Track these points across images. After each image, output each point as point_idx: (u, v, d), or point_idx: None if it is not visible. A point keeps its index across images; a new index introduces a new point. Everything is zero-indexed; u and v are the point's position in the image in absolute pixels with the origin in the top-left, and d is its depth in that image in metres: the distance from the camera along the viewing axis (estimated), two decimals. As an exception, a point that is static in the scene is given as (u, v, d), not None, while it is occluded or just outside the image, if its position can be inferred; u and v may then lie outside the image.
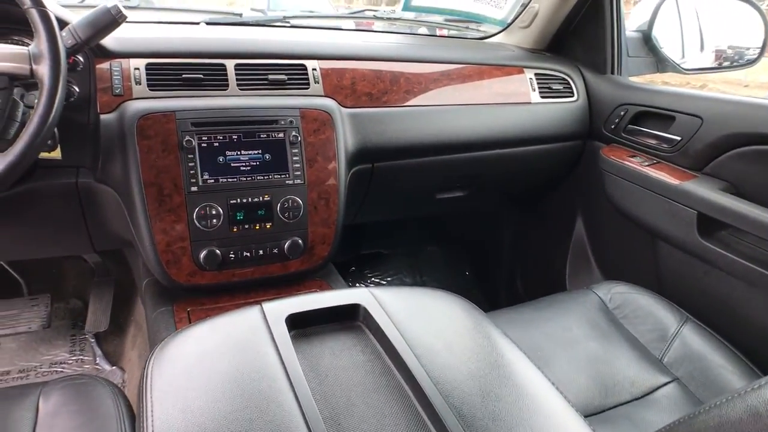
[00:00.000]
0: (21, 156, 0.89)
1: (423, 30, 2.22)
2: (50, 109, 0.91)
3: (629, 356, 1.22)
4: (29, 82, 0.99)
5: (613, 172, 1.67)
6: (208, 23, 1.82)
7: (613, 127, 1.71)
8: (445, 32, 2.24)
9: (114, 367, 1.74)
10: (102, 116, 1.19)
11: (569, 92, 1.75)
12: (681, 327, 1.28)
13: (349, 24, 2.26)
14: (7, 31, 1.19)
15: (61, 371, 1.72)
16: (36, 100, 0.92)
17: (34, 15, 0.93)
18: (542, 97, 1.68)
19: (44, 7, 0.94)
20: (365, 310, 0.82)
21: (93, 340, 1.80)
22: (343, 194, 1.33)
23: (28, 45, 1.23)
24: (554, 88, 1.71)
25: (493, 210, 2.19)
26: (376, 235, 2.14)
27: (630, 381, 1.16)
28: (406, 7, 1.89)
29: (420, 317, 0.82)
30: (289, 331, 0.75)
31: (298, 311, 0.79)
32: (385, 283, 2.19)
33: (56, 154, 1.16)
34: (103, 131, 1.18)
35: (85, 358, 1.76)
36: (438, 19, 2.15)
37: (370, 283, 2.19)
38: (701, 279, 1.41)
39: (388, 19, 2.00)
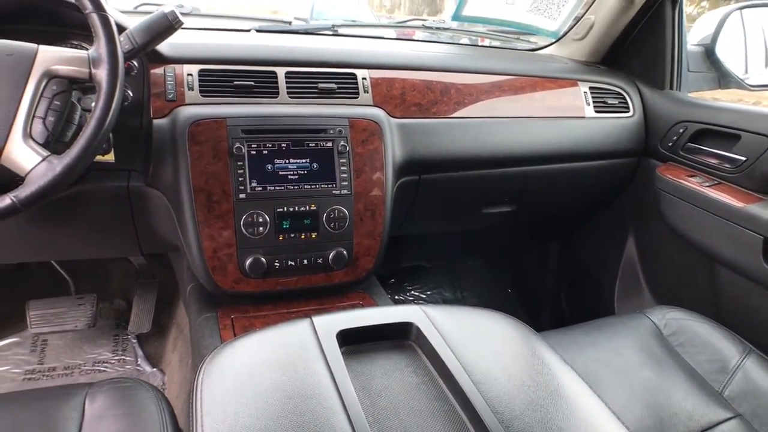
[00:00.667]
0: (78, 159, 0.90)
1: (464, 40, 2.18)
2: (107, 113, 0.92)
3: (687, 387, 1.15)
4: (87, 85, 1.01)
5: (669, 192, 1.60)
6: (258, 30, 1.84)
7: (670, 144, 1.64)
8: (487, 42, 2.20)
9: (154, 369, 1.75)
10: (155, 121, 1.20)
11: (625, 107, 1.69)
12: (744, 359, 1.21)
13: (392, 33, 2.24)
14: (66, 35, 1.22)
15: (104, 371, 1.74)
16: (93, 104, 0.93)
17: (95, 19, 0.94)
18: (597, 111, 1.63)
19: (105, 11, 0.95)
20: (418, 329, 0.79)
21: (135, 341, 1.83)
22: (389, 206, 1.31)
23: (86, 49, 1.26)
24: (609, 102, 1.66)
25: (540, 225, 2.13)
26: (417, 248, 2.11)
27: (687, 414, 1.10)
28: (456, 17, 1.86)
29: (475, 339, 0.79)
30: (340, 347, 0.73)
31: (349, 327, 0.77)
32: (425, 296, 2.15)
33: (110, 157, 1.17)
34: (155, 136, 1.19)
35: (127, 358, 1.79)
36: (484, 29, 2.11)
37: (409, 296, 2.15)
38: (766, 308, 1.33)
39: (438, 28, 1.97)
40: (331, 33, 1.91)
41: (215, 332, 1.16)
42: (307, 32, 1.88)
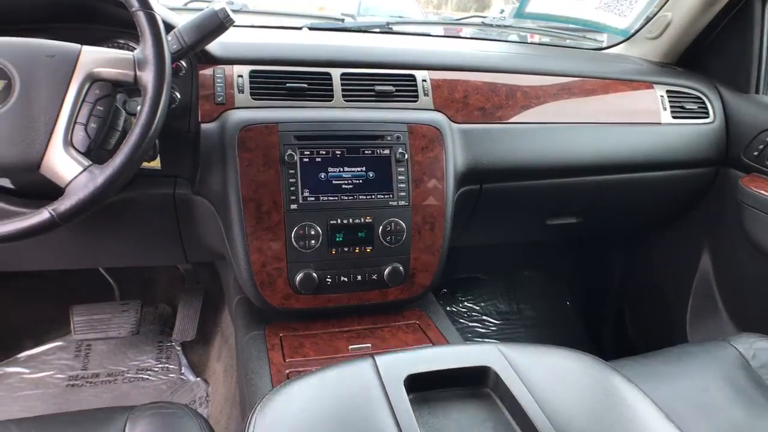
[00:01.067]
0: (120, 170, 0.83)
1: (513, 37, 2.06)
2: (153, 118, 0.85)
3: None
4: (132, 88, 0.94)
5: (754, 206, 1.45)
6: (310, 28, 1.76)
7: (755, 154, 1.49)
8: (538, 39, 2.07)
9: (198, 379, 1.70)
10: (202, 125, 1.13)
11: (704, 113, 1.54)
12: None
13: (438, 30, 2.13)
14: (112, 33, 1.16)
15: (147, 378, 1.70)
16: (138, 108, 0.86)
17: (141, 18, 0.87)
18: (674, 117, 1.48)
19: (152, 9, 0.88)
20: (496, 375, 0.69)
21: (179, 349, 1.78)
22: (449, 219, 1.21)
23: (132, 49, 1.20)
24: (687, 107, 1.51)
25: (604, 237, 1.99)
26: (472, 258, 2.00)
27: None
28: (520, 14, 1.74)
29: (561, 388, 0.69)
30: (408, 394, 0.64)
31: (418, 372, 0.67)
32: (478, 308, 2.04)
33: (156, 163, 1.12)
34: (203, 141, 1.13)
35: (171, 366, 1.74)
36: (547, 27, 1.98)
37: (462, 308, 2.05)
38: None
39: (498, 26, 1.86)
40: (384, 30, 1.83)
41: (263, 353, 1.08)
42: (360, 30, 1.80)
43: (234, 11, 1.72)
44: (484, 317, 2.02)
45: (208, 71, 1.16)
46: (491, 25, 1.87)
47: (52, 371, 1.70)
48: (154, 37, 0.87)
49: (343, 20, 1.80)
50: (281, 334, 1.15)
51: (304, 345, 1.12)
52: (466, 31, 2.16)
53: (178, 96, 1.14)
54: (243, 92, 1.16)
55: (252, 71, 1.17)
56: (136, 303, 1.79)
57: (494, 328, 2.00)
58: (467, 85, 1.30)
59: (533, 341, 1.98)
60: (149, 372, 1.72)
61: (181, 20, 1.13)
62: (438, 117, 1.23)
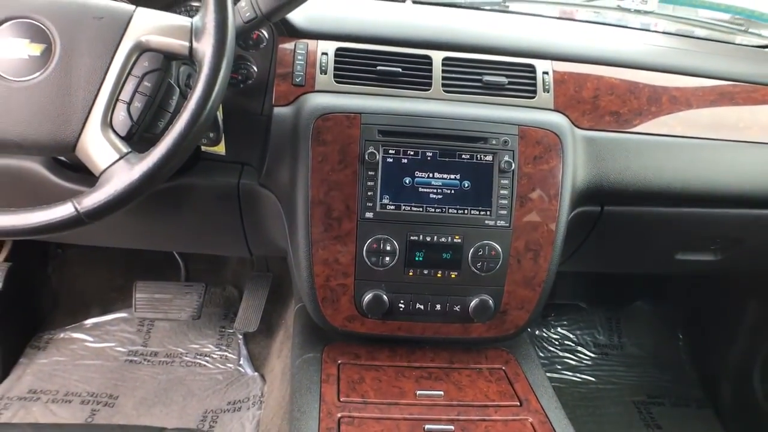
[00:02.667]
0: (162, 161, 0.68)
1: (661, 27, 1.72)
2: (206, 102, 0.69)
3: None
4: (187, 61, 0.79)
5: None
6: (415, 1, 1.55)
7: None
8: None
9: (255, 374, 1.59)
10: (275, 109, 0.97)
11: None
12: None
13: (554, 11, 1.83)
14: None
15: (204, 365, 1.61)
16: (193, 84, 0.70)
17: None
18: None
19: None
20: None
21: (240, 338, 1.68)
22: (558, 247, 0.98)
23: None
24: None
25: (742, 277, 1.65)
26: (572, 283, 1.75)
27: None
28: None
29: None
30: None
31: None
32: (573, 337, 1.78)
33: (220, 148, 0.97)
34: (274, 127, 0.97)
35: (230, 355, 1.64)
36: (696, 16, 1.65)
37: (553, 334, 1.79)
38: None
39: (637, 11, 1.55)
40: (500, 9, 1.59)
41: (315, 384, 0.92)
42: (472, 6, 1.56)
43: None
44: (579, 348, 1.76)
45: (288, 45, 0.99)
46: (629, 10, 1.56)
47: (114, 343, 1.65)
48: (218, 2, 0.70)
49: (453, -4, 1.57)
50: (340, 361, 0.98)
51: (365, 379, 0.94)
52: (583, 15, 1.85)
53: (255, 70, 0.99)
54: (326, 73, 0.98)
55: (339, 49, 0.99)
56: (200, 286, 1.70)
57: (589, 362, 1.74)
58: (599, 82, 1.04)
59: (634, 383, 1.70)
60: (207, 358, 1.63)
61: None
62: (558, 120, 0.99)
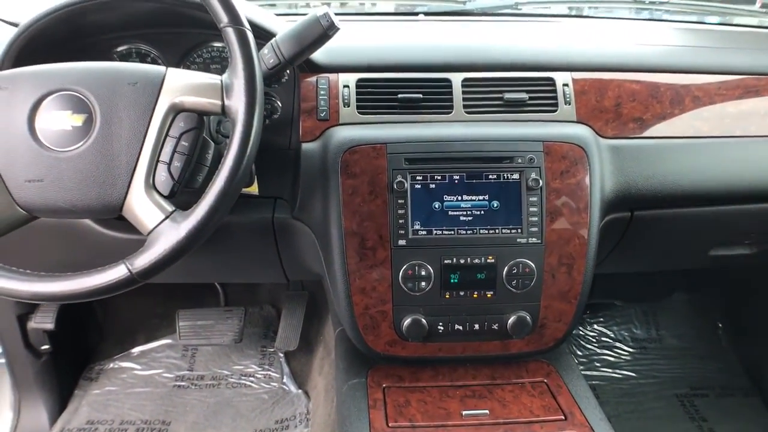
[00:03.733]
0: (206, 219, 0.71)
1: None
2: (242, 158, 0.72)
3: None
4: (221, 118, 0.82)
5: None
6: (427, 13, 1.56)
7: None
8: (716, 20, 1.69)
9: (299, 391, 1.63)
10: (303, 145, 1.00)
11: None
12: None
13: (565, 9, 1.79)
14: (207, 37, 1.05)
15: (250, 385, 1.66)
16: (228, 140, 0.73)
17: (231, 36, 0.73)
18: None
19: (243, 25, 0.74)
20: None
21: (282, 356, 1.72)
22: (591, 259, 0.99)
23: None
24: None
25: None
26: (606, 284, 1.75)
27: None
28: (683, -12, 1.42)
29: None
30: None
31: None
32: (611, 333, 1.78)
33: (253, 189, 1.00)
34: (303, 163, 0.99)
35: (273, 374, 1.68)
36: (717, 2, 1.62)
37: (590, 331, 1.79)
38: None
39: (651, 2, 1.54)
40: (513, 12, 1.59)
41: (363, 411, 0.95)
42: (485, 13, 1.57)
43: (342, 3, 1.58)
44: (617, 344, 1.76)
45: (311, 80, 1.01)
46: (643, 1, 1.55)
47: (161, 369, 1.71)
48: (245, 58, 0.73)
49: (464, 2, 1.57)
50: (385, 385, 1.01)
51: (411, 402, 0.97)
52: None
53: (279, 105, 1.02)
54: (349, 105, 1.00)
55: (359, 80, 1.01)
56: (240, 310, 1.75)
57: (628, 357, 1.73)
58: (620, 90, 1.04)
59: (676, 376, 1.69)
60: (252, 378, 1.68)
61: (280, 24, 0.99)
62: (582, 131, 1.00)
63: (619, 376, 1.69)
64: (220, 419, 1.56)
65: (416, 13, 1.58)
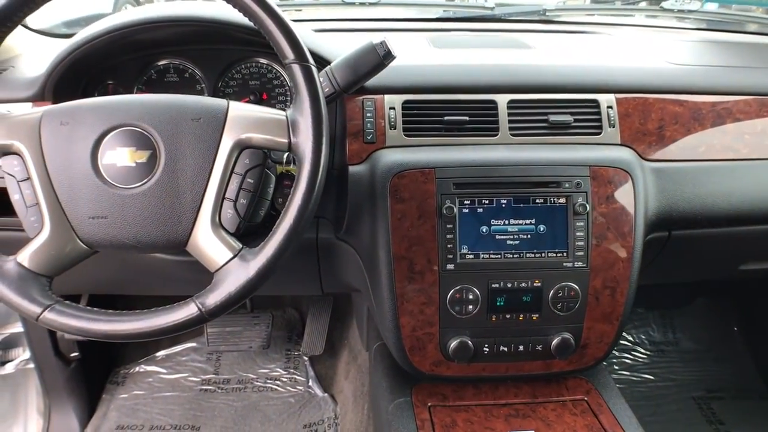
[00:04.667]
0: (275, 258, 0.72)
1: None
2: (310, 196, 0.72)
3: None
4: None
5: None
6: (455, 19, 1.56)
7: None
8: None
9: (325, 395, 1.65)
10: (351, 168, 1.00)
11: None
12: None
13: (588, 17, 1.76)
14: (250, 53, 1.05)
15: (275, 389, 1.68)
16: (296, 177, 0.73)
17: (297, 73, 0.73)
18: None
19: (309, 62, 0.74)
20: None
21: (306, 359, 1.74)
22: (634, 282, 1.00)
23: (272, 73, 1.07)
24: None
25: None
26: None
27: None
28: (713, -2, 1.42)
29: None
30: None
31: None
32: (630, 337, 1.81)
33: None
34: (351, 186, 0.99)
35: (298, 378, 1.70)
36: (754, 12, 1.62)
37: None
38: None
39: (680, 10, 1.53)
40: (538, 18, 1.58)
41: (411, 425, 0.96)
42: (512, 19, 1.56)
43: (371, 4, 1.57)
44: (635, 347, 1.79)
45: (356, 102, 1.01)
46: (671, 10, 1.54)
47: (187, 373, 1.72)
48: (312, 96, 0.73)
49: (492, 8, 1.57)
50: (429, 403, 1.03)
51: (457, 423, 0.99)
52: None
53: None
54: (395, 128, 1.00)
55: (405, 102, 1.01)
56: (267, 316, 1.76)
57: (646, 360, 1.77)
58: (663, 112, 1.05)
59: (693, 378, 1.73)
60: (278, 382, 1.70)
61: (334, 49, 0.99)
62: (627, 155, 1.01)
63: (638, 378, 1.73)
64: (249, 423, 1.58)
65: (446, 19, 1.58)
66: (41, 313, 0.72)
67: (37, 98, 0.98)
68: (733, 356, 1.79)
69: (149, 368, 1.73)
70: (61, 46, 0.98)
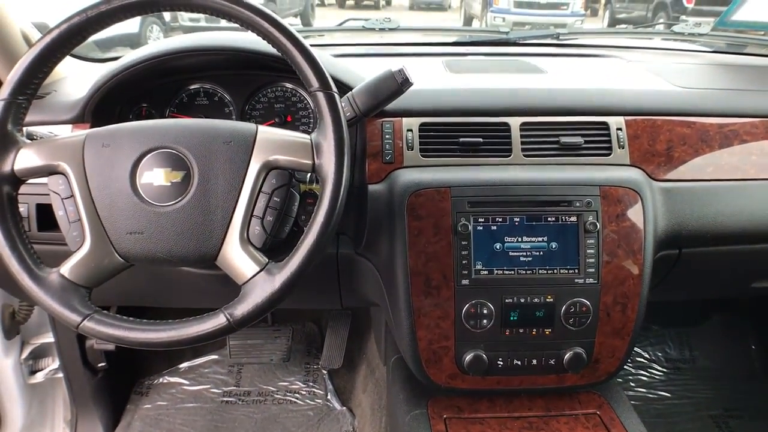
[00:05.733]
0: (299, 271, 0.76)
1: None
2: (332, 214, 0.77)
3: None
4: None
5: None
6: (471, 43, 1.61)
7: None
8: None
9: (344, 408, 1.69)
10: (370, 186, 1.05)
11: None
12: None
13: (598, 39, 1.79)
14: (276, 78, 1.11)
15: (295, 402, 1.72)
16: (319, 197, 0.78)
17: (321, 100, 0.79)
18: None
19: (332, 90, 0.79)
20: None
21: (325, 373, 1.78)
22: (644, 297, 1.03)
23: (296, 97, 1.13)
24: None
25: None
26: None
27: None
28: (723, 23, 1.46)
29: None
30: None
31: None
32: (646, 354, 1.82)
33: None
34: (370, 204, 1.04)
35: (317, 391, 1.74)
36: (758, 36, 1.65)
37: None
38: None
39: (691, 34, 1.57)
40: (553, 42, 1.63)
41: None
42: (525, 43, 1.61)
43: (390, 29, 1.63)
44: (652, 364, 1.80)
45: (376, 124, 1.06)
46: (682, 34, 1.58)
47: (209, 385, 1.77)
48: (335, 122, 0.78)
49: (507, 33, 1.62)
50: (445, 416, 1.06)
51: (473, 438, 1.02)
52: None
53: None
54: (412, 149, 1.05)
55: (422, 124, 1.06)
56: (288, 330, 1.81)
57: (662, 378, 1.77)
58: (672, 134, 1.08)
59: (710, 397, 1.73)
60: (297, 395, 1.74)
61: (354, 76, 1.05)
62: (636, 175, 1.04)
63: (654, 396, 1.73)
64: (269, 435, 1.62)
65: (462, 43, 1.63)
66: (81, 322, 0.77)
67: (78, 121, 1.05)
68: (750, 375, 1.79)
69: (172, 379, 1.78)
70: (100, 71, 1.05)
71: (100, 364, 1.59)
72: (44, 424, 1.65)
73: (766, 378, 1.78)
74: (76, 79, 1.23)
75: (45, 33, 0.80)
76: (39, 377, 1.62)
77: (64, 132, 1.04)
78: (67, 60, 1.32)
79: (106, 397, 1.64)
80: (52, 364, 1.64)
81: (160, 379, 1.79)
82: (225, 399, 1.73)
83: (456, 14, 11.33)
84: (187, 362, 1.82)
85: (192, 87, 1.14)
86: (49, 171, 0.81)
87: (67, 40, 0.80)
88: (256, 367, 1.80)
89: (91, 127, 1.01)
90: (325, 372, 1.79)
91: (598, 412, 1.07)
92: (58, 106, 1.08)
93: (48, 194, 0.83)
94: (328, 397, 1.73)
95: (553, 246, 1.01)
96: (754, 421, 1.65)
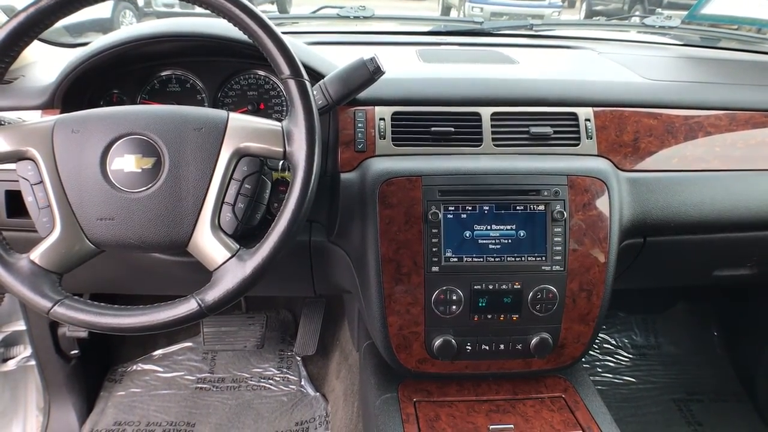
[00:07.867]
0: (270, 257, 0.77)
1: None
2: (303, 202, 0.78)
3: None
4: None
5: None
6: (445, 33, 1.62)
7: None
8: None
9: (317, 394, 1.71)
10: (342, 175, 1.06)
11: None
12: None
13: (572, 31, 1.82)
14: (248, 65, 1.10)
15: (269, 387, 1.73)
16: (290, 184, 0.79)
17: (292, 87, 0.79)
18: None
19: (303, 77, 0.80)
20: None
21: (299, 359, 1.79)
22: (609, 285, 1.06)
23: (269, 84, 1.13)
24: None
25: None
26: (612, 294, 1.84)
27: None
28: (693, 16, 1.49)
29: None
30: None
31: None
32: (612, 340, 1.87)
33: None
34: (342, 192, 1.05)
35: (291, 377, 1.76)
36: (725, 30, 1.69)
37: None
38: None
39: (661, 27, 1.60)
40: (527, 33, 1.65)
41: (398, 426, 1.02)
42: (499, 33, 1.63)
43: (364, 17, 1.63)
44: (618, 350, 1.85)
45: (348, 113, 1.07)
46: (653, 27, 1.61)
47: (183, 372, 1.77)
48: (306, 109, 0.79)
49: (481, 23, 1.63)
50: (415, 399, 1.08)
51: (440, 417, 1.04)
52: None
53: None
54: (384, 138, 1.06)
55: (395, 113, 1.07)
56: (262, 317, 1.82)
57: (628, 363, 1.83)
58: (639, 125, 1.11)
59: (673, 382, 1.79)
60: (271, 381, 1.75)
61: (325, 63, 1.05)
62: (603, 165, 1.07)
63: (620, 381, 1.78)
64: (242, 421, 1.63)
65: (436, 33, 1.64)
66: (52, 307, 0.77)
67: (47, 106, 1.03)
68: (712, 360, 1.85)
69: (146, 367, 1.78)
70: (70, 56, 1.04)
71: (72, 352, 1.58)
72: (17, 412, 1.64)
73: (726, 363, 1.84)
74: (45, 64, 1.21)
75: (12, 16, 0.78)
76: (11, 365, 1.60)
77: (33, 118, 1.03)
78: (36, 45, 1.30)
79: (79, 384, 1.64)
80: (24, 351, 1.62)
81: (134, 367, 1.78)
82: (199, 386, 1.74)
83: (434, 3, 11.30)
84: (161, 349, 1.82)
85: (164, 73, 1.13)
86: (18, 156, 0.80)
87: (35, 24, 0.79)
88: (230, 353, 1.81)
89: (61, 113, 1.00)
90: (299, 358, 1.80)
91: (563, 396, 1.10)
92: (27, 91, 1.06)
93: (17, 180, 0.82)
94: (302, 383, 1.74)
95: (522, 234, 1.03)
96: (714, 404, 1.72)
